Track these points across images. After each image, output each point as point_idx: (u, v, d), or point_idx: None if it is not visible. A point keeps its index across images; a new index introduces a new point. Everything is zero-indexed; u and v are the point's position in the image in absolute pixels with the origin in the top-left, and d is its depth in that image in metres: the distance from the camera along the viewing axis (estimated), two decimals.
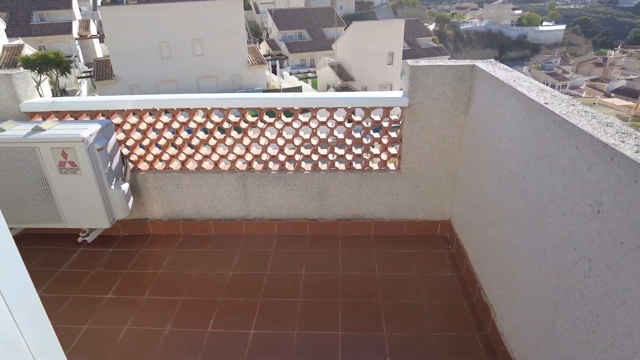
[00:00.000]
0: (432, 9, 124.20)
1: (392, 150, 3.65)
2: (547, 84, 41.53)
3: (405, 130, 3.43)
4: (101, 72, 32.17)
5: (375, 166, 3.68)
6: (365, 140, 3.58)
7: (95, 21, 51.10)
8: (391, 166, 3.67)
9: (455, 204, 3.65)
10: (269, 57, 49.02)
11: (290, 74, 46.08)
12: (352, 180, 3.67)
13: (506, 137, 2.56)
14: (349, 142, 3.62)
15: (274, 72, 46.49)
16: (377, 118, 3.52)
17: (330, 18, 53.34)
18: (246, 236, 3.91)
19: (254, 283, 3.29)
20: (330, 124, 3.52)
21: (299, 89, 37.98)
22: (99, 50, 47.80)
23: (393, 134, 3.59)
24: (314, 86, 42.17)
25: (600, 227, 1.58)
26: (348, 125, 3.55)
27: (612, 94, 56.26)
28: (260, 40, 57.56)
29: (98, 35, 46.60)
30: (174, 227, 3.95)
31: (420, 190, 3.69)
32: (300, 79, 44.06)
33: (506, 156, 2.55)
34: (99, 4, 55.28)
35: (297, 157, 3.66)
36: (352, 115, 3.52)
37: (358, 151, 3.67)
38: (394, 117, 3.47)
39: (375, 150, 3.64)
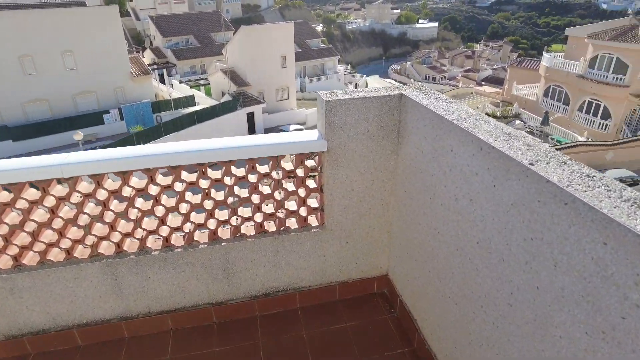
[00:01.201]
0: (317, 10, 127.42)
1: (313, 202, 2.89)
2: (428, 77, 44.95)
3: (327, 179, 2.70)
4: None
5: (293, 224, 2.89)
6: (277, 195, 2.76)
7: None
8: (313, 222, 2.91)
9: (392, 255, 3.03)
10: (155, 66, 45.69)
11: (181, 82, 43.42)
12: (265, 247, 2.84)
13: (447, 182, 2.04)
14: (256, 199, 2.77)
15: (162, 81, 43.42)
16: (289, 166, 2.73)
17: (218, 23, 51.38)
18: (129, 339, 2.85)
19: None
20: (228, 180, 2.63)
21: (191, 98, 35.82)
22: None
23: (312, 183, 2.83)
24: (208, 93, 40.18)
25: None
26: (252, 178, 2.70)
27: (483, 82, 62.85)
28: (144, 49, 53.45)
29: None
30: (17, 346, 2.73)
31: (350, 246, 2.99)
32: (192, 87, 41.66)
33: (446, 202, 2.12)
34: None
35: (187, 227, 2.72)
36: (257, 165, 2.67)
37: (270, 209, 2.84)
38: (310, 162, 2.71)
39: (292, 205, 2.85)
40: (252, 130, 33.60)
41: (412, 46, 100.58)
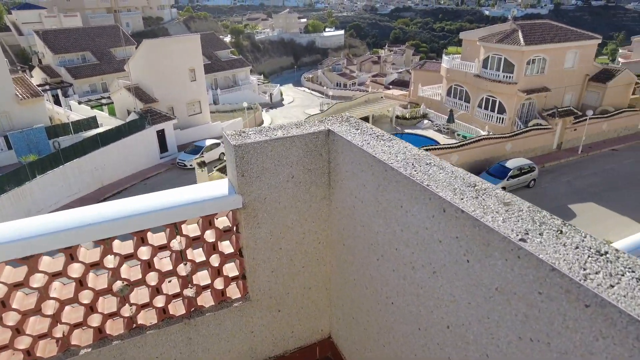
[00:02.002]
0: (224, 21, 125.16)
1: (232, 269, 2.30)
2: (340, 84, 45.91)
3: (246, 240, 2.13)
4: None
5: (208, 301, 2.27)
6: (182, 269, 2.13)
7: None
8: (234, 294, 2.32)
9: (335, 316, 2.54)
10: (47, 87, 41.19)
11: (80, 102, 39.66)
12: (173, 337, 2.18)
13: (399, 245, 1.67)
14: (153, 279, 2.10)
15: (58, 103, 39.23)
16: (194, 229, 2.11)
17: (117, 37, 47.85)
18: None
19: None
20: (110, 261, 1.95)
21: (93, 119, 32.74)
22: None
23: (227, 247, 2.24)
24: (112, 113, 37.10)
25: None
26: (144, 253, 2.03)
27: (390, 86, 66.01)
28: (31, 68, 48.03)
29: None
30: None
31: (284, 314, 2.44)
32: (93, 107, 38.19)
33: (399, 268, 1.74)
34: None
35: (60, 330, 1.97)
36: (150, 235, 2.01)
37: (174, 287, 2.19)
38: (222, 220, 2.12)
39: (204, 278, 2.23)
40: (163, 148, 31.56)
41: (321, 54, 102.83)
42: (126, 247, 1.97)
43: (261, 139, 1.95)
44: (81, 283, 1.88)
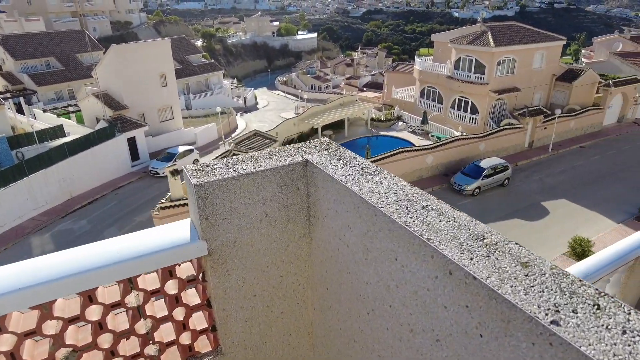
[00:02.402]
0: (195, 25, 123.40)
1: (199, 320, 2.01)
2: (314, 87, 45.89)
3: (214, 290, 1.85)
4: None
5: (174, 358, 1.97)
6: (142, 327, 1.83)
7: None
8: (204, 347, 2.03)
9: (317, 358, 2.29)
10: (9, 95, 39.43)
11: (45, 110, 38.11)
12: None
13: (393, 302, 1.42)
14: (107, 340, 1.79)
15: (21, 111, 37.55)
16: (153, 280, 1.82)
17: (83, 42, 46.30)
18: None
19: None
20: (51, 326, 1.63)
21: (59, 128, 31.43)
22: None
23: (194, 296, 1.95)
24: (79, 121, 35.79)
25: None
26: (94, 313, 1.72)
27: (364, 89, 66.39)
28: None
29: None
30: None
31: None
32: (59, 115, 36.76)
33: (395, 329, 1.52)
34: None
35: None
36: (99, 289, 1.71)
37: (133, 346, 1.89)
38: (185, 267, 1.83)
39: (168, 333, 1.94)
40: (135, 156, 30.64)
41: (295, 57, 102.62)
42: (72, 306, 1.66)
43: (228, 174, 1.68)
44: (13, 357, 1.56)
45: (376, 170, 1.66)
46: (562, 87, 34.57)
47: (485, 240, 1.18)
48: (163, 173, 27.44)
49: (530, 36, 32.88)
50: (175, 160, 29.24)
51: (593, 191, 24.63)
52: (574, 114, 33.07)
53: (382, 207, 1.37)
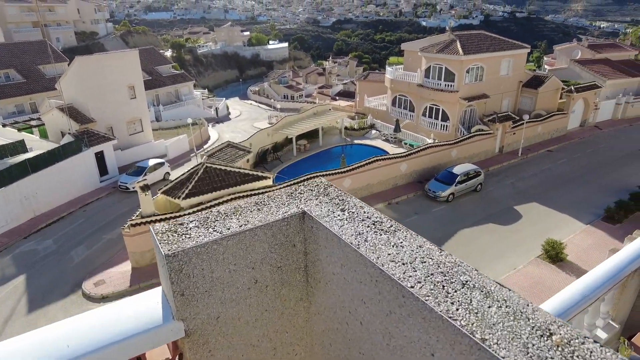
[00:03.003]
0: (164, 35, 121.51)
1: None
2: (287, 96, 45.79)
3: None
4: None
5: None
6: None
7: None
8: None
9: None
10: None
11: (4, 125, 36.35)
12: None
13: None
14: None
15: None
16: None
17: (46, 53, 44.63)
18: None
19: None
20: None
21: (20, 143, 29.99)
22: None
23: None
24: (43, 135, 34.35)
25: None
26: None
27: (337, 97, 66.81)
28: None
29: None
30: None
31: None
32: (20, 129, 35.16)
33: None
34: None
35: None
36: None
37: None
38: (161, 350, 1.60)
39: None
40: (103, 171, 29.60)
41: (266, 67, 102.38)
42: None
43: (208, 237, 1.44)
44: None
45: (392, 227, 1.47)
46: (529, 93, 35.71)
47: (554, 338, 1.00)
48: (133, 188, 26.60)
49: (497, 44, 33.88)
50: (145, 174, 28.43)
51: (562, 194, 25.40)
52: (540, 119, 34.18)
53: (412, 288, 1.16)
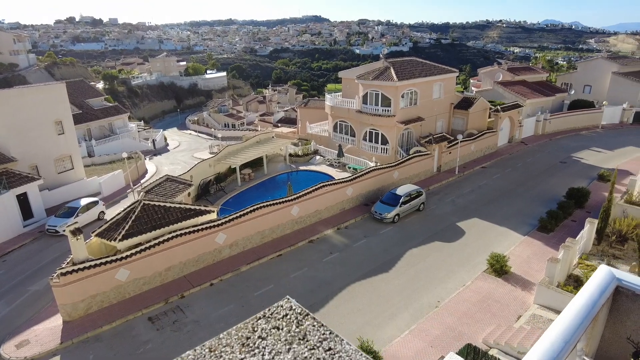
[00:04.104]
0: (95, 66, 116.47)
1: None
2: (228, 125, 45.16)
3: None
4: None
5: None
6: None
7: None
8: None
9: None
10: None
11: None
12: None
13: None
14: None
15: None
16: None
17: None
18: None
19: None
20: None
21: None
22: None
23: None
24: None
25: None
26: None
27: (279, 124, 67.07)
28: None
29: None
30: None
31: None
32: None
33: None
34: None
35: None
36: None
37: None
38: None
39: None
40: (27, 214, 27.01)
41: (205, 96, 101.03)
42: None
43: None
44: None
45: None
46: (460, 114, 37.90)
47: None
48: (63, 231, 24.42)
49: (428, 70, 35.82)
50: (77, 215, 26.31)
51: (499, 207, 26.78)
52: (473, 137, 36.26)
53: None
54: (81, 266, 15.95)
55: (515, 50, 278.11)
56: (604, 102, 50.12)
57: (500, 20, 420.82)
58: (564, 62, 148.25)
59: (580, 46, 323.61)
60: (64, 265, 16.04)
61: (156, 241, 18.18)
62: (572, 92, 55.74)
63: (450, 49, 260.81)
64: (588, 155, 37.89)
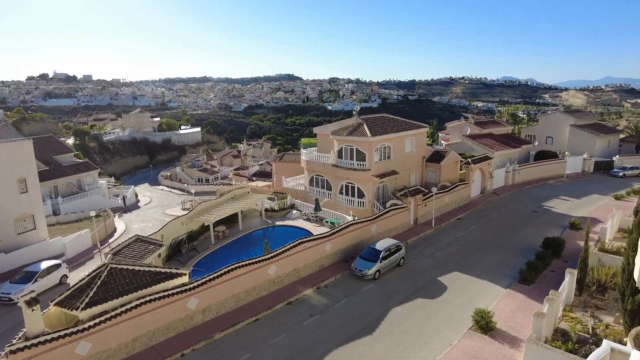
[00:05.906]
0: (66, 122, 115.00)
1: None
2: (201, 179, 44.36)
3: None
4: None
5: None
6: None
7: None
8: None
9: None
10: None
11: None
12: None
13: None
14: None
15: None
16: None
17: None
18: None
19: None
20: None
21: None
22: None
23: None
24: None
25: None
26: None
27: (254, 178, 66.71)
28: None
29: None
30: None
31: None
32: None
33: None
34: None
35: None
36: None
37: None
38: None
39: None
40: None
41: (179, 151, 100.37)
42: None
43: None
44: None
45: None
46: (432, 167, 38.66)
47: None
48: (18, 299, 22.43)
49: (400, 125, 36.86)
50: (35, 280, 24.38)
51: (478, 260, 26.60)
52: (447, 190, 36.79)
53: None
54: (35, 341, 14.37)
55: (479, 105, 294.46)
56: (566, 153, 52.61)
57: (463, 77, 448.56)
58: (524, 115, 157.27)
59: (537, 100, 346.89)
60: (14, 341, 14.41)
61: (123, 309, 16.80)
62: (537, 143, 58.46)
63: (417, 105, 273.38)
64: (557, 204, 38.93)
